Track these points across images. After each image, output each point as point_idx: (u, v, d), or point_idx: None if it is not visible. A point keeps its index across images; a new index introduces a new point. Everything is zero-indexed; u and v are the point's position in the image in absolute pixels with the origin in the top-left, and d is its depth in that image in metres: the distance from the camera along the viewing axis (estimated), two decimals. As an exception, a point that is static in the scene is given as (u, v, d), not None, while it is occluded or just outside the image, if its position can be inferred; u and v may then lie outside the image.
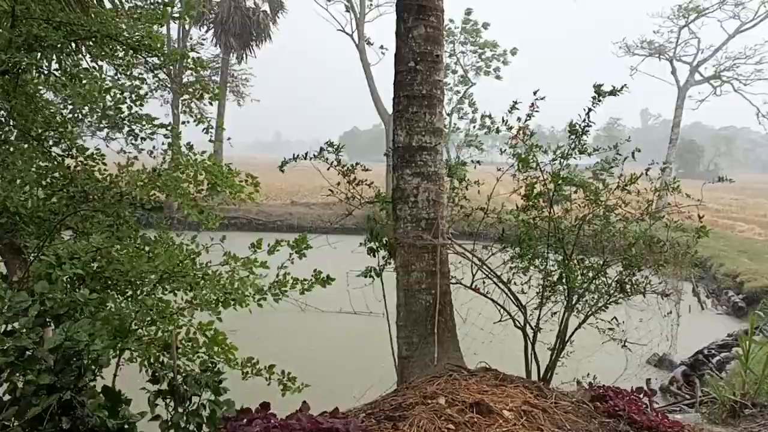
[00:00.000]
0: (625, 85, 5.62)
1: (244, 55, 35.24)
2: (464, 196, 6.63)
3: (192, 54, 6.24)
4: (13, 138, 5.48)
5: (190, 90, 6.22)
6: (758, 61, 29.36)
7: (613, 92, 5.64)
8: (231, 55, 34.56)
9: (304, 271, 6.26)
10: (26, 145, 5.41)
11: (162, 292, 5.38)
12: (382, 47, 32.91)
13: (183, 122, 6.69)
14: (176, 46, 32.02)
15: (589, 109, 5.65)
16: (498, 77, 36.60)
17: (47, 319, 3.75)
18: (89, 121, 6.16)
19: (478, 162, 6.78)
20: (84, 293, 4.34)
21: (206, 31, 33.63)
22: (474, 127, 35.30)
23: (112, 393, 3.26)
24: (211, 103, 6.52)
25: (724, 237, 23.80)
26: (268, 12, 34.63)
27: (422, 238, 5.51)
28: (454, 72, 36.60)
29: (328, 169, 6.53)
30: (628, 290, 5.84)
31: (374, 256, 6.34)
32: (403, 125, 5.60)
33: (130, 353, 4.64)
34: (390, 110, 5.86)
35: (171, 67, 6.63)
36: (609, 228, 5.94)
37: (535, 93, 5.92)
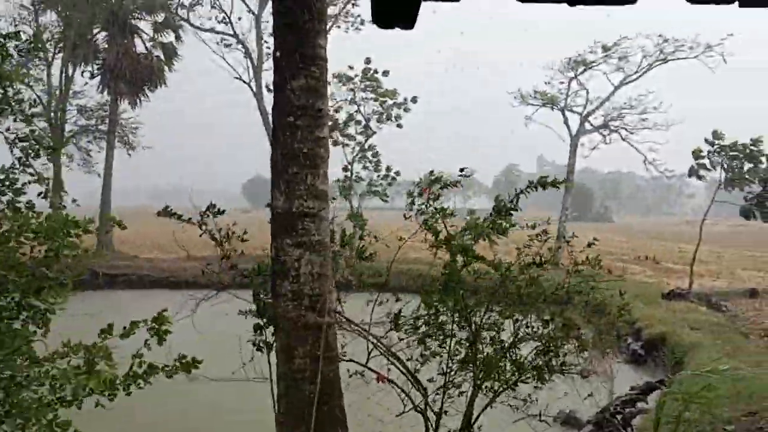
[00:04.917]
0: (567, 179, 5.36)
1: (138, 101, 33.62)
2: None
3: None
4: None
5: (24, 145, 5.21)
6: (642, 111, 31.06)
7: (554, 183, 5.33)
8: (121, 101, 32.85)
9: (190, 334, 5.74)
10: None
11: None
12: (282, 95, 32.17)
13: (27, 182, 5.62)
14: (58, 92, 30.10)
15: (519, 192, 5.32)
16: (399, 125, 36.85)
17: None
18: None
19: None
20: None
21: (91, 77, 31.84)
22: (378, 176, 35.19)
23: None
24: (49, 159, 5.57)
25: (618, 280, 24.11)
26: (162, 57, 33.35)
27: (305, 318, 4.77)
28: (358, 122, 36.57)
29: (201, 235, 5.79)
30: (546, 377, 5.37)
31: (262, 333, 5.58)
32: (281, 188, 4.89)
33: None
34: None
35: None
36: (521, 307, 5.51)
37: (462, 170, 5.83)
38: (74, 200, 5.72)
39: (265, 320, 5.57)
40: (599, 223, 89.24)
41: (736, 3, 1.68)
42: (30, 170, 5.41)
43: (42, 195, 5.24)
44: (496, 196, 5.59)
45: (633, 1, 1.61)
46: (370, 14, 1.48)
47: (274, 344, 5.47)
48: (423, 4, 1.91)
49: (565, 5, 1.55)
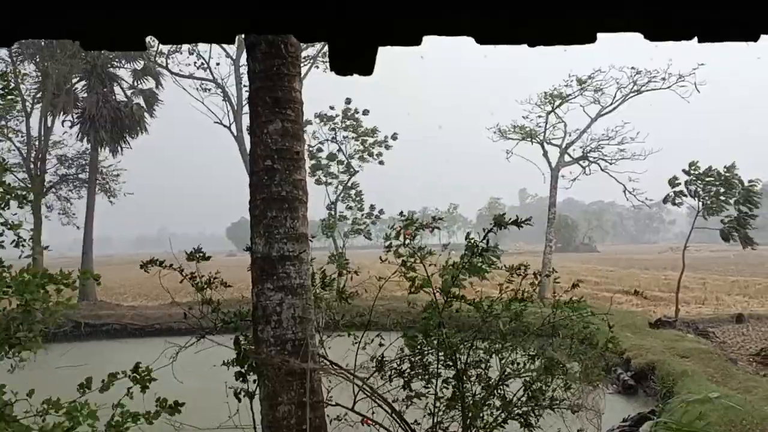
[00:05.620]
0: (530, 218, 5.35)
1: (119, 148, 33.50)
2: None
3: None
4: None
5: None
6: (620, 141, 31.44)
7: (515, 222, 5.31)
8: (102, 149, 32.72)
9: (174, 382, 5.56)
10: None
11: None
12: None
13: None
14: (37, 143, 29.95)
15: (488, 231, 5.30)
16: (381, 162, 37.07)
17: None
18: None
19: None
20: None
21: (71, 126, 31.76)
22: (362, 215, 35.24)
23: None
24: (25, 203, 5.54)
25: (605, 310, 23.90)
26: (143, 104, 33.40)
27: (288, 363, 4.68)
28: (341, 162, 36.78)
29: (181, 281, 5.74)
30: (533, 422, 5.30)
31: (244, 380, 5.46)
32: (261, 232, 4.86)
33: None
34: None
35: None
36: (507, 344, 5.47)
37: (434, 219, 6.03)
38: (46, 247, 5.65)
39: (246, 367, 5.45)
40: (584, 253, 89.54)
41: (695, 39, 1.69)
42: (1, 220, 5.36)
43: (14, 243, 5.17)
44: (466, 234, 5.59)
45: (593, 40, 1.62)
46: (328, 62, 1.48)
47: (257, 391, 5.38)
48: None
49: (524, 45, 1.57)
